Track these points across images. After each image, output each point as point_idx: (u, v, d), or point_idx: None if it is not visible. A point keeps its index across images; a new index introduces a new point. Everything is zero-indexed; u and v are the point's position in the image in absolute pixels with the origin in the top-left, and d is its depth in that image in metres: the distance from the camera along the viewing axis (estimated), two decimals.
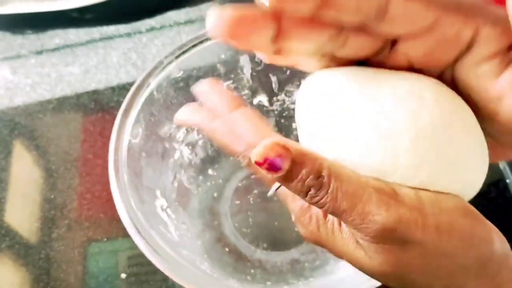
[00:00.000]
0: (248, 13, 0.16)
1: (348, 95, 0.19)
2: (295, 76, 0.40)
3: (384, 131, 0.18)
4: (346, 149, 0.18)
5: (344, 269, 0.33)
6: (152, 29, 0.55)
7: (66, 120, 0.49)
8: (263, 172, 0.18)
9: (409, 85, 0.18)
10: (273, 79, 0.41)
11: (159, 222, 0.34)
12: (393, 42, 0.18)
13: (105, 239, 0.41)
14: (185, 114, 0.33)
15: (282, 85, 0.41)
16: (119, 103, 0.49)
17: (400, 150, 0.18)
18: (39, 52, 0.54)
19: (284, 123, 0.43)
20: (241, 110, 0.30)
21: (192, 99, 0.34)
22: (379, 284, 0.26)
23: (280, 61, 0.20)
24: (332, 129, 0.19)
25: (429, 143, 0.18)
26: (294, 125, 0.43)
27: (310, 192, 0.18)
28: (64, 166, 0.45)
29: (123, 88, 0.50)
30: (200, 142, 0.41)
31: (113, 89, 0.50)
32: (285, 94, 0.42)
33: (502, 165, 0.43)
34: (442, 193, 0.18)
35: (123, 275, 0.40)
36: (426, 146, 0.18)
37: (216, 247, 0.39)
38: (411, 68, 0.19)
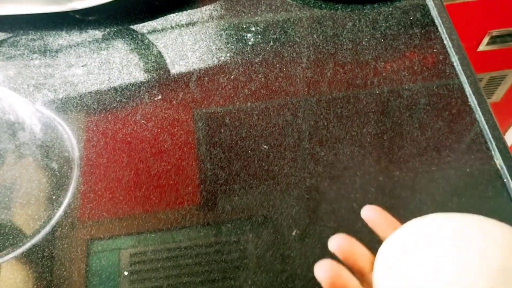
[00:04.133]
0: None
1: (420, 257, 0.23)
2: None
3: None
4: None
5: None
6: (154, 30, 0.56)
7: (70, 120, 0.49)
8: None
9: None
10: None
11: None
12: None
13: (108, 237, 0.42)
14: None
15: None
16: (121, 104, 0.50)
17: None
18: (43, 53, 0.54)
19: None
20: None
21: None
22: None
23: None
24: None
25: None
26: None
27: None
28: (68, 165, 0.46)
29: (126, 89, 0.51)
30: None
31: (115, 89, 0.51)
32: None
33: (499, 164, 0.43)
34: None
35: (126, 273, 0.40)
36: None
37: None
38: None
